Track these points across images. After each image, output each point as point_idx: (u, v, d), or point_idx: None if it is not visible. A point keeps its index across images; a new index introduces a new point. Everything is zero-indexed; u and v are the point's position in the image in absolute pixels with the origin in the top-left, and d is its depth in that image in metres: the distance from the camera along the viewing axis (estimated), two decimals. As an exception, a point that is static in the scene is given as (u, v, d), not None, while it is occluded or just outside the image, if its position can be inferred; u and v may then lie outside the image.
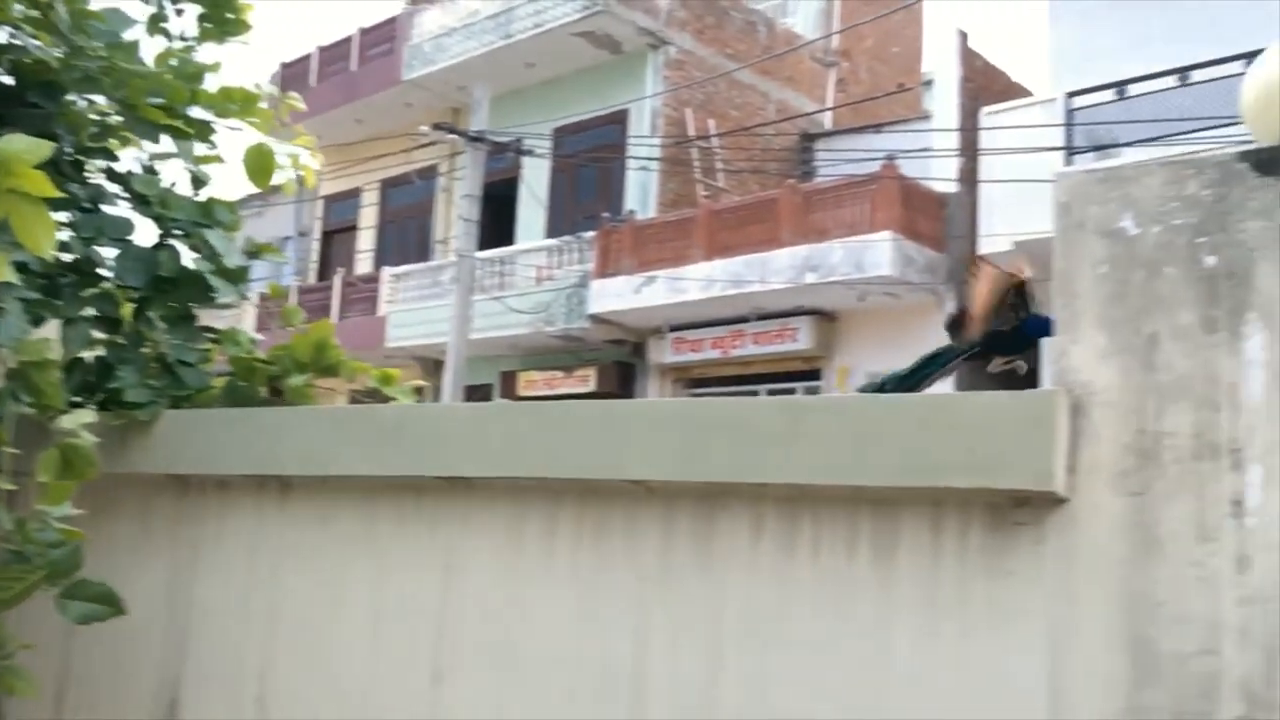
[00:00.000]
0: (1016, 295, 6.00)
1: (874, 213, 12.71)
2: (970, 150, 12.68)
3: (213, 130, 2.70)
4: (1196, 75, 10.51)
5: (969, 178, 12.59)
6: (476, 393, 17.66)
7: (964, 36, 13.55)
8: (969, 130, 12.64)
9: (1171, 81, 10.69)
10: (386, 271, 20.93)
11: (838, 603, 2.28)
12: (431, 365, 18.46)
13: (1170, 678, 1.90)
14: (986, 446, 2.05)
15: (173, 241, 2.63)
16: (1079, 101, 11.44)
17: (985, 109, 12.33)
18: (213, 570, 2.63)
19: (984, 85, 13.68)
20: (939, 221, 13.27)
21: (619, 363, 16.29)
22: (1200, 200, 2.00)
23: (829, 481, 2.29)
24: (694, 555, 2.24)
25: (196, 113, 2.67)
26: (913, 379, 6.90)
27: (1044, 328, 6.48)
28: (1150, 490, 1.97)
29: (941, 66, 13.60)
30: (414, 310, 19.47)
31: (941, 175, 13.16)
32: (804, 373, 14.75)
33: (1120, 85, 11.07)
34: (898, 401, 2.19)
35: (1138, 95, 10.81)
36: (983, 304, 5.95)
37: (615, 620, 2.21)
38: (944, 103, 13.16)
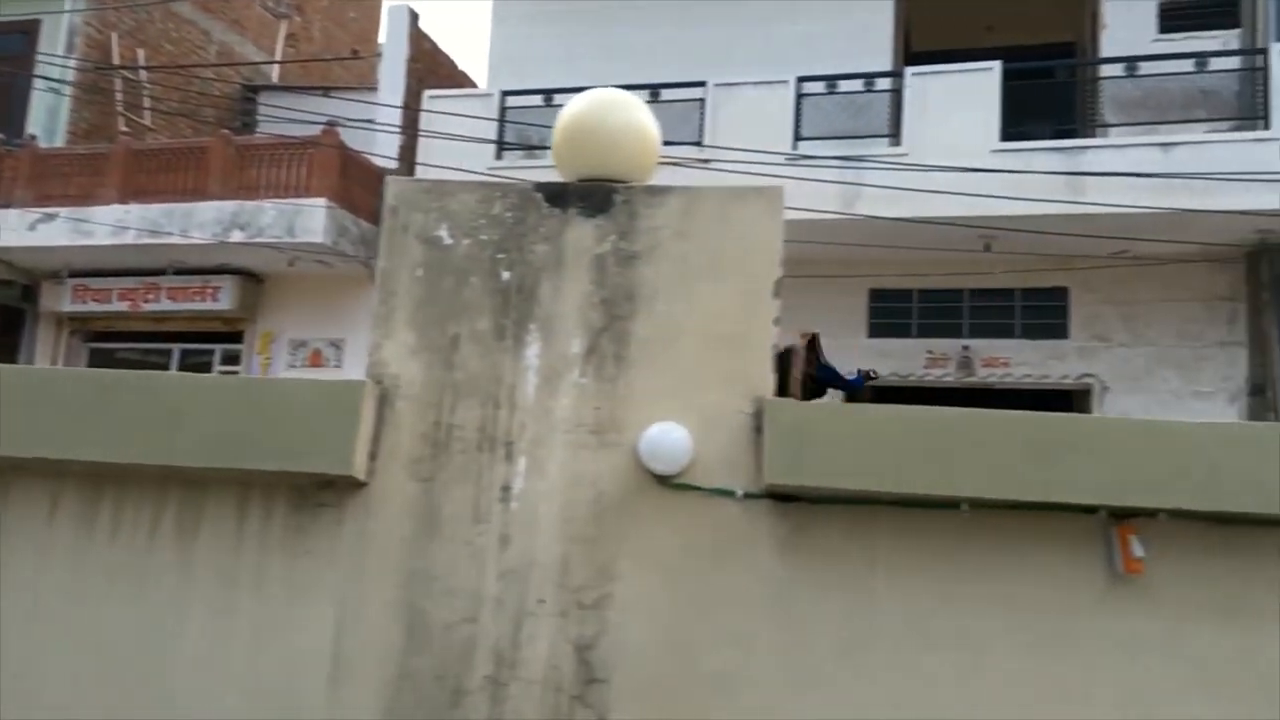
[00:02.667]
0: (809, 348, 6.28)
1: (311, 177, 12.47)
2: (412, 130, 12.94)
3: None
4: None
5: (409, 157, 12.84)
6: None
7: (415, 16, 13.78)
8: (412, 110, 12.90)
9: (590, 97, 11.83)
10: None
11: (140, 584, 2.22)
12: None
13: (437, 644, 2.13)
14: (294, 431, 2.13)
15: None
16: (513, 101, 12.21)
17: (428, 92, 12.66)
18: None
19: (430, 68, 14.04)
20: (377, 196, 13.35)
21: (4, 307, 14.25)
22: (503, 220, 2.26)
23: (137, 460, 2.23)
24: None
25: None
26: None
27: (831, 378, 7.33)
28: (438, 476, 2.18)
29: (392, 42, 13.71)
30: None
31: (385, 150, 13.28)
32: (224, 334, 14.04)
33: (549, 92, 11.98)
34: (209, 383, 2.19)
35: (563, 105, 11.80)
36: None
37: None
38: (390, 78, 13.28)
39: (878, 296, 12.54)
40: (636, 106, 2.39)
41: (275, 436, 2.13)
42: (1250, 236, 10.75)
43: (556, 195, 2.25)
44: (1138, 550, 2.01)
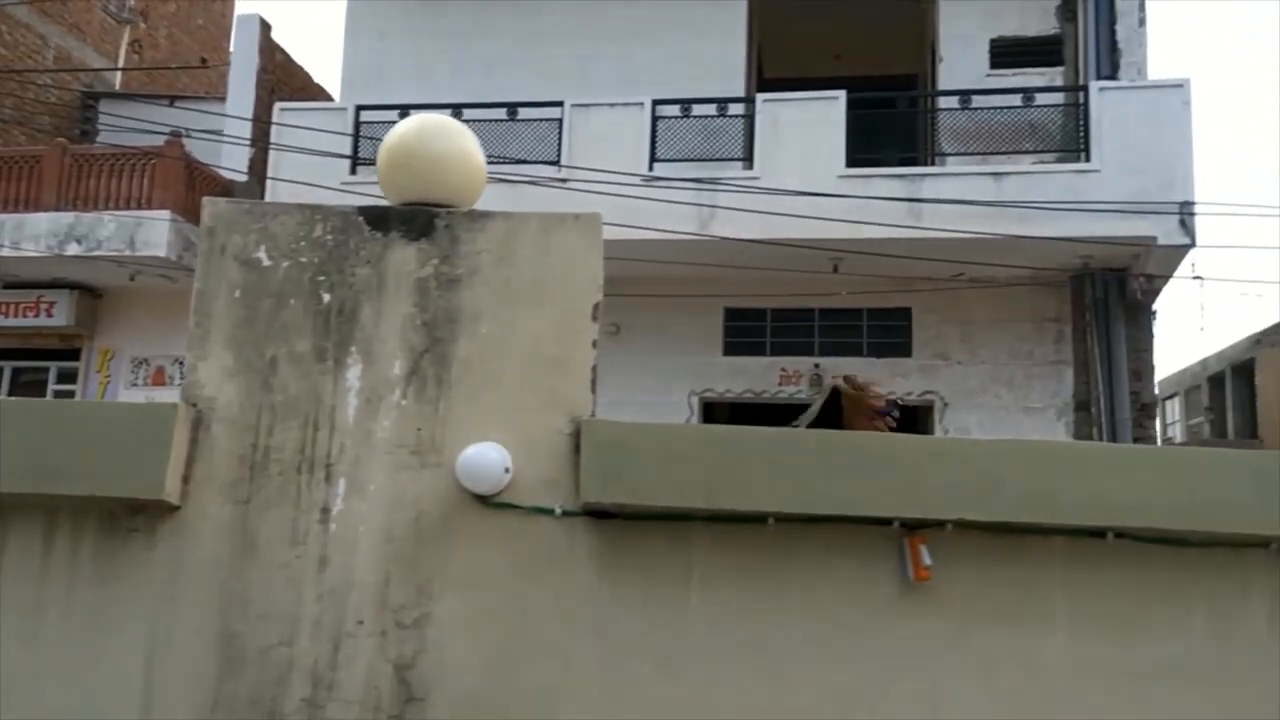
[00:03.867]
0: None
1: (154, 189, 12.02)
2: (263, 142, 12.62)
3: None
4: (467, 114, 11.71)
5: (259, 170, 12.51)
6: None
7: (266, 26, 13.46)
8: (262, 122, 12.58)
9: (446, 115, 11.76)
10: None
11: (-67, 615, 2.14)
12: None
13: (252, 668, 2.12)
14: (103, 455, 2.09)
15: None
16: (367, 116, 12.04)
17: (279, 104, 12.37)
18: None
19: (283, 80, 13.74)
20: (225, 208, 12.93)
21: None
22: (324, 243, 2.28)
23: (-65, 486, 2.14)
24: None
25: None
26: None
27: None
28: (255, 499, 2.17)
29: (241, 52, 13.36)
30: None
31: (234, 163, 12.91)
32: (60, 352, 13.38)
33: (405, 107, 11.86)
34: (14, 406, 2.13)
35: (418, 121, 11.72)
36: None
37: None
38: (239, 89, 12.93)
39: (733, 315, 12.83)
40: (461, 133, 2.44)
41: (84, 460, 2.09)
42: (1074, 261, 11.46)
43: (378, 219, 2.27)
44: (926, 559, 2.16)
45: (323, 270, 2.26)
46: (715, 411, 13.27)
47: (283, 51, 13.87)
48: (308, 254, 2.26)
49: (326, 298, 2.25)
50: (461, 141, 2.42)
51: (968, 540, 2.19)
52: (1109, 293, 11.73)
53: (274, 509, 2.16)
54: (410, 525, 2.17)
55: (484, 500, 2.17)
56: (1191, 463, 2.17)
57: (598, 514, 2.18)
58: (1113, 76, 11.71)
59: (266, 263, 2.26)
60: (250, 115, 12.82)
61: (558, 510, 2.17)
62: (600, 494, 2.14)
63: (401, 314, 2.24)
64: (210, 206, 2.27)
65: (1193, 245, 10.62)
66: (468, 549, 2.17)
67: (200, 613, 2.12)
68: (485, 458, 2.08)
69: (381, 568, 2.15)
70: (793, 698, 2.16)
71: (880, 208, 10.86)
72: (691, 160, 11.72)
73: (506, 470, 2.15)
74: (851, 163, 11.27)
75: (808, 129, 11.44)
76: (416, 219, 2.29)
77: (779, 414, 12.98)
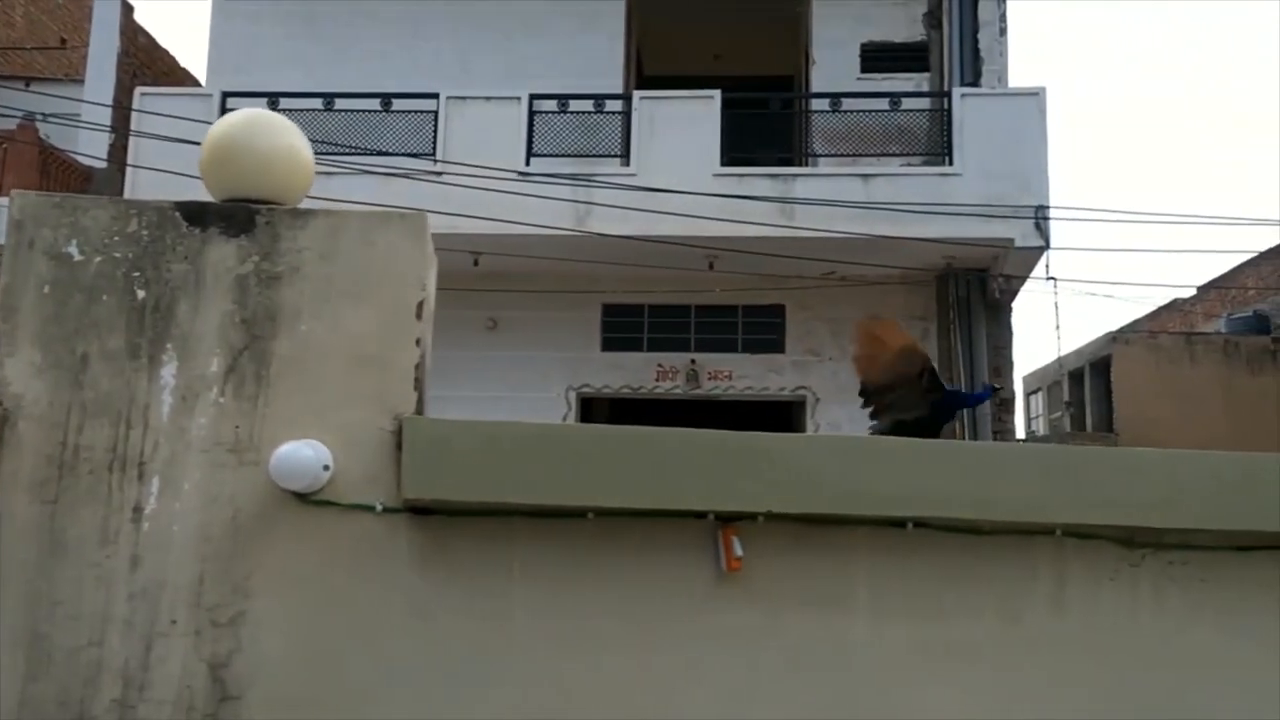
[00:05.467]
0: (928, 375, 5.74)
1: (4, 175, 11.47)
2: (124, 129, 12.15)
3: None
4: (339, 104, 11.49)
5: (119, 157, 12.05)
6: None
7: (129, 7, 12.98)
8: (124, 107, 12.12)
9: (318, 104, 11.55)
10: None
11: None
12: None
13: (60, 669, 2.08)
14: (-102, 455, 2.03)
15: None
16: (234, 103, 11.69)
17: (140, 89, 11.92)
18: None
19: (146, 63, 13.26)
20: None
21: None
22: (139, 239, 2.24)
23: None
24: None
25: None
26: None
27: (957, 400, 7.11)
28: (64, 498, 2.13)
29: (101, 34, 12.84)
30: None
31: (91, 150, 12.40)
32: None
33: (275, 95, 11.57)
34: None
35: (289, 110, 11.45)
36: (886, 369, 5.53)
37: None
38: (98, 72, 12.43)
39: (610, 311, 12.91)
40: (287, 129, 2.43)
41: (-125, 461, 2.02)
42: (939, 261, 11.88)
43: (196, 215, 2.25)
44: (738, 550, 2.25)
45: (137, 266, 2.22)
46: (594, 407, 13.34)
47: (146, 34, 13.40)
48: (122, 249, 2.23)
49: (141, 294, 2.21)
50: (287, 138, 2.41)
51: (779, 532, 2.28)
52: (971, 292, 12.20)
53: (84, 508, 2.12)
54: (227, 524, 2.15)
55: (303, 498, 2.17)
56: (983, 457, 2.31)
57: (419, 510, 2.21)
58: (975, 83, 12.17)
59: (78, 258, 2.22)
60: (111, 100, 12.33)
61: (378, 507, 2.19)
62: (421, 490, 2.16)
63: (220, 311, 2.23)
64: (18, 199, 2.22)
65: (1047, 247, 11.12)
66: (287, 547, 2.17)
67: (6, 614, 2.08)
68: (299, 455, 2.08)
69: (196, 566, 2.13)
70: (612, 686, 2.23)
71: (754, 207, 11.07)
72: (569, 156, 11.73)
73: (327, 468, 2.16)
74: (726, 161, 11.46)
75: (683, 127, 11.58)
76: (236, 215, 2.27)
77: (656, 410, 13.16)
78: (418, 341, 2.28)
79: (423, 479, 2.16)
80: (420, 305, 2.29)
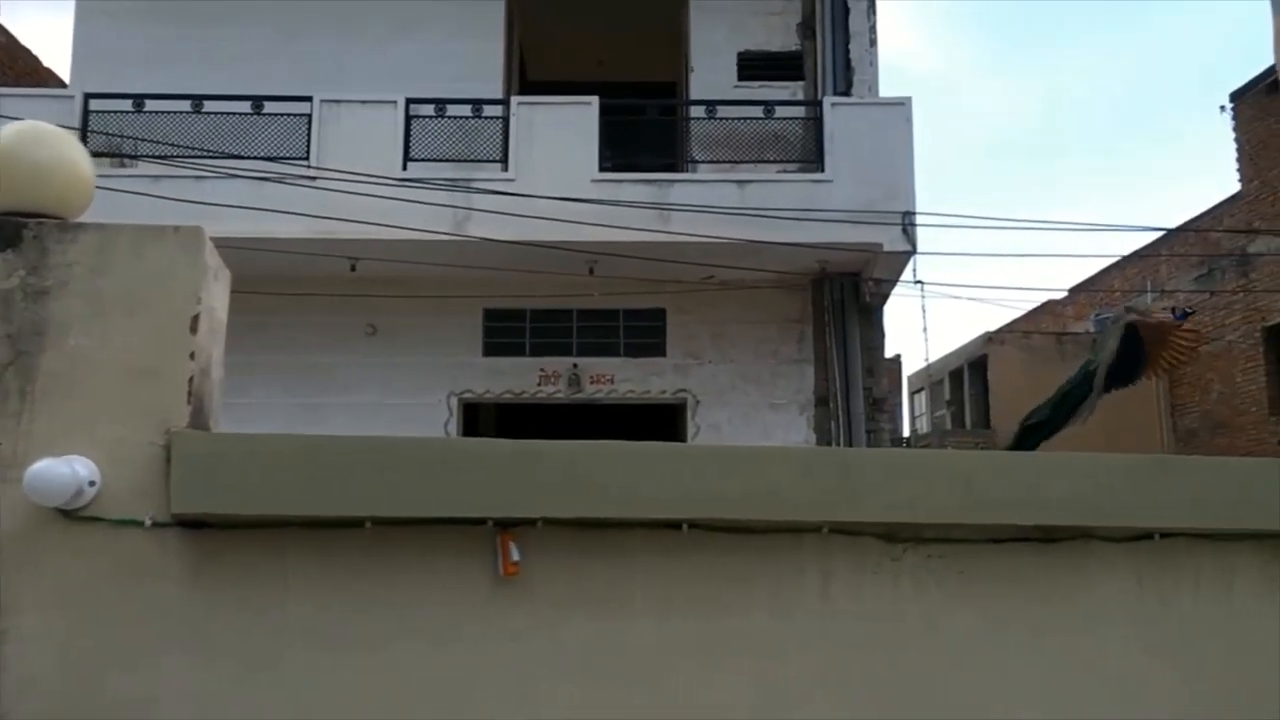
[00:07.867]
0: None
1: None
2: (-19, 129, 11.68)
3: None
4: (209, 105, 11.24)
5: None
6: None
7: (-14, 6, 12.51)
8: (-20, 108, 11.65)
9: (186, 106, 11.27)
10: None
11: None
12: None
13: None
14: None
15: None
16: (98, 105, 11.36)
17: (-3, 90, 11.49)
18: None
19: (5, 62, 12.79)
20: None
21: None
22: (-103, 253, 2.20)
23: None
24: None
25: None
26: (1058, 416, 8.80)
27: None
28: None
29: (-44, 31, 12.34)
30: None
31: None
32: None
33: (141, 97, 11.26)
34: None
35: (155, 111, 11.17)
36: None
37: None
38: (-50, 71, 11.92)
39: (492, 316, 12.88)
40: (65, 142, 2.40)
41: None
42: (813, 266, 12.16)
43: (-39, 229, 2.22)
44: (515, 555, 2.30)
45: (-100, 283, 2.18)
46: (477, 412, 13.29)
47: (5, 32, 12.89)
48: (-124, 265, 2.18)
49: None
50: (65, 151, 2.38)
51: (557, 536, 2.35)
52: (844, 295, 12.52)
53: None
54: (-11, 541, 2.13)
55: (69, 514, 2.16)
56: (751, 458, 2.41)
57: (190, 524, 2.21)
58: (847, 92, 12.51)
59: None
60: (-37, 100, 11.82)
61: (147, 521, 2.19)
62: (189, 505, 2.17)
63: (-17, 326, 2.20)
64: None
65: (914, 252, 11.47)
66: (53, 563, 2.16)
67: None
68: (52, 472, 2.07)
69: (-46, 586, 2.10)
70: (391, 693, 2.26)
71: (632, 212, 11.18)
72: (447, 160, 11.68)
73: (92, 484, 2.15)
74: (605, 167, 11.55)
75: (562, 132, 11.63)
76: (3, 229, 2.24)
77: (538, 415, 13.18)
78: (193, 355, 2.28)
79: (191, 493, 2.17)
80: (195, 319, 2.29)
